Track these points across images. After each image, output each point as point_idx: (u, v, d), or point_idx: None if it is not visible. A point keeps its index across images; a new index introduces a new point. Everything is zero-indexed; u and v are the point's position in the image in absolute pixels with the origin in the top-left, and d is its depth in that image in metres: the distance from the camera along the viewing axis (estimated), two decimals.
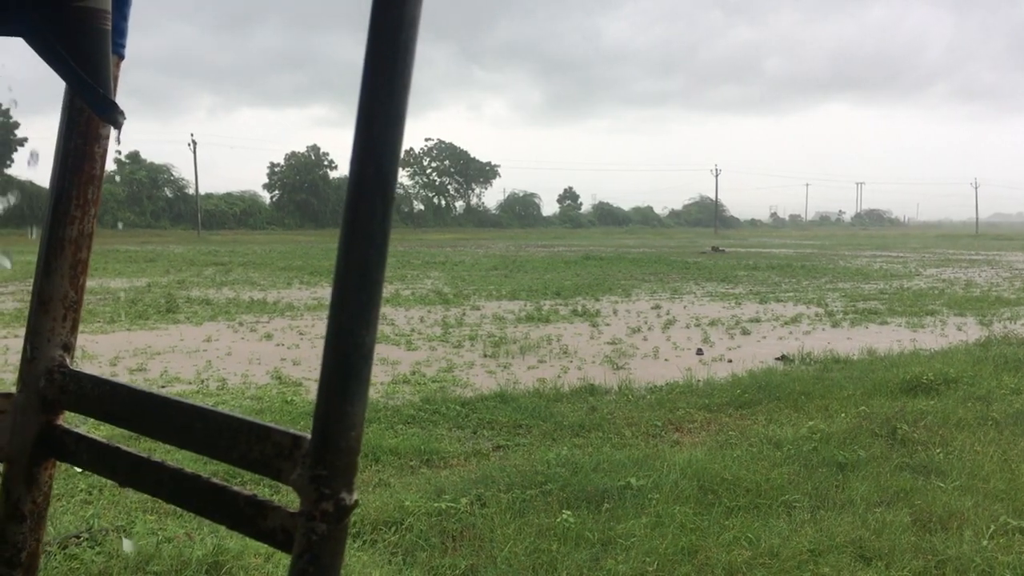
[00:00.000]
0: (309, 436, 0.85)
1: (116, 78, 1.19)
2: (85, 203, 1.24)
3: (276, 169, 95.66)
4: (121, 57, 1.21)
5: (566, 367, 12.56)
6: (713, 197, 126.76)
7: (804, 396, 9.87)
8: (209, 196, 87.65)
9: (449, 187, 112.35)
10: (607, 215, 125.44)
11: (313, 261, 37.37)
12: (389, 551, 5.36)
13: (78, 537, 5.29)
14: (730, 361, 13.23)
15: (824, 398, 9.77)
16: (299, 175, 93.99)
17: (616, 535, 5.56)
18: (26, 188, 72.15)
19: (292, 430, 0.92)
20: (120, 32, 1.17)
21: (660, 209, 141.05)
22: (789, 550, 5.33)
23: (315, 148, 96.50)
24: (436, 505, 5.96)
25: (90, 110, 1.16)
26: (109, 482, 1.24)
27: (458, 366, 12.56)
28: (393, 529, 5.63)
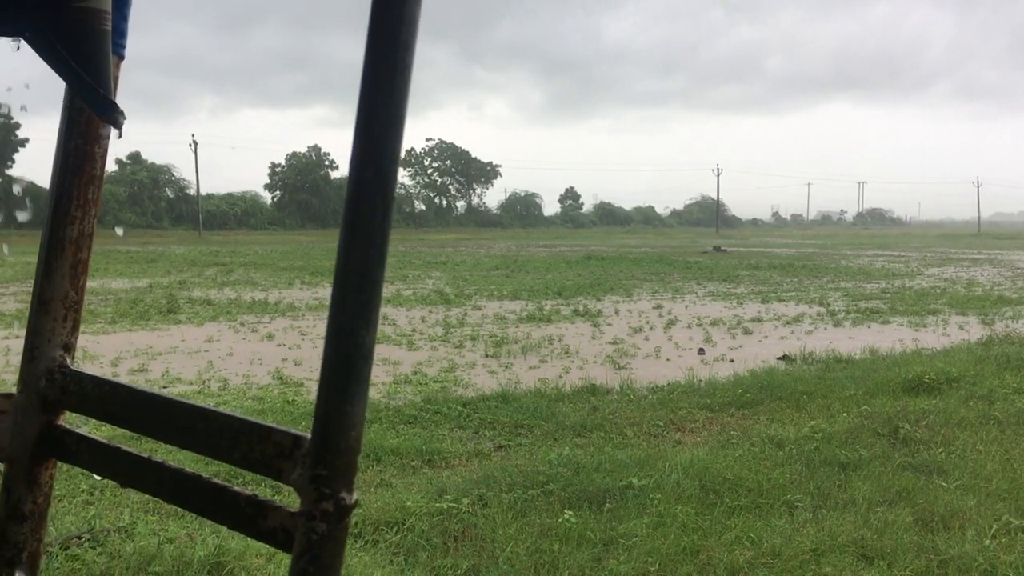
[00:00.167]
0: (309, 436, 0.85)
1: (116, 78, 1.18)
2: (85, 203, 1.24)
3: (277, 169, 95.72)
4: (121, 58, 1.21)
5: (568, 367, 12.56)
6: (715, 197, 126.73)
7: (806, 396, 9.87)
8: (210, 196, 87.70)
9: (450, 187, 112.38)
10: (608, 215, 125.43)
11: (314, 261, 37.39)
12: (391, 551, 5.36)
13: (80, 538, 5.29)
14: (732, 361, 13.23)
15: (826, 398, 9.77)
16: (300, 175, 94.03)
17: (618, 535, 5.56)
18: (28, 189, 72.28)
19: (293, 430, 0.92)
20: (120, 32, 1.17)
21: (662, 209, 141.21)
22: (791, 550, 5.32)
23: (316, 148, 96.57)
24: (438, 505, 5.95)
25: (90, 110, 1.16)
26: (110, 483, 1.24)
27: (460, 366, 12.56)
28: (395, 529, 5.63)
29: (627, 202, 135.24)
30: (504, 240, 73.58)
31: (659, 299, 22.88)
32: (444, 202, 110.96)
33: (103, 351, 13.30)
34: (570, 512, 5.87)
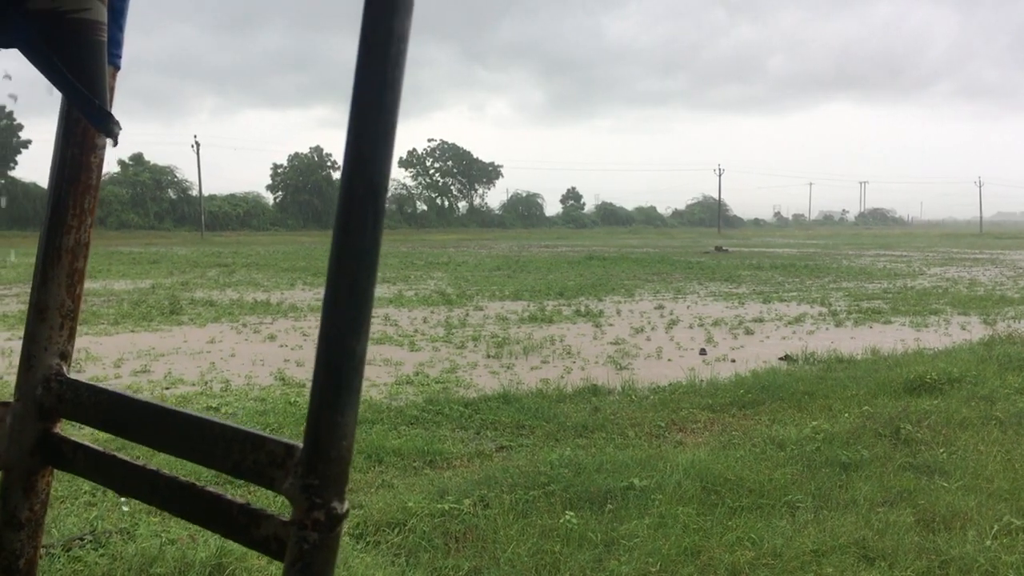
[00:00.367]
0: (301, 445, 0.85)
1: (112, 89, 1.19)
2: (82, 213, 1.24)
3: (279, 170, 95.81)
4: (117, 68, 1.21)
5: (569, 367, 12.56)
6: (716, 197, 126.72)
7: (807, 396, 9.87)
8: (212, 197, 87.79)
9: (452, 187, 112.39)
10: (610, 215, 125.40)
11: (316, 262, 37.41)
12: (392, 552, 5.36)
13: (81, 539, 5.31)
14: (733, 361, 13.23)
15: (827, 398, 9.77)
16: (302, 176, 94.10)
17: (619, 536, 5.56)
18: (30, 190, 72.34)
19: (285, 439, 0.93)
20: (116, 43, 1.18)
21: (663, 209, 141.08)
22: (792, 550, 5.32)
23: (318, 149, 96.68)
24: (439, 506, 5.96)
25: (86, 121, 1.16)
26: None
27: (461, 367, 12.57)
28: (396, 530, 5.63)
29: (629, 202, 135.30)
30: (506, 240, 73.60)
31: (661, 299, 22.88)
32: (446, 202, 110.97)
33: (106, 352, 13.32)
34: (571, 513, 5.88)
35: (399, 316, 18.56)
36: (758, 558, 5.25)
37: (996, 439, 7.94)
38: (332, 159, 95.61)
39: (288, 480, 0.88)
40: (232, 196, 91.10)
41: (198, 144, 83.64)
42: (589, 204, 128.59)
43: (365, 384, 11.03)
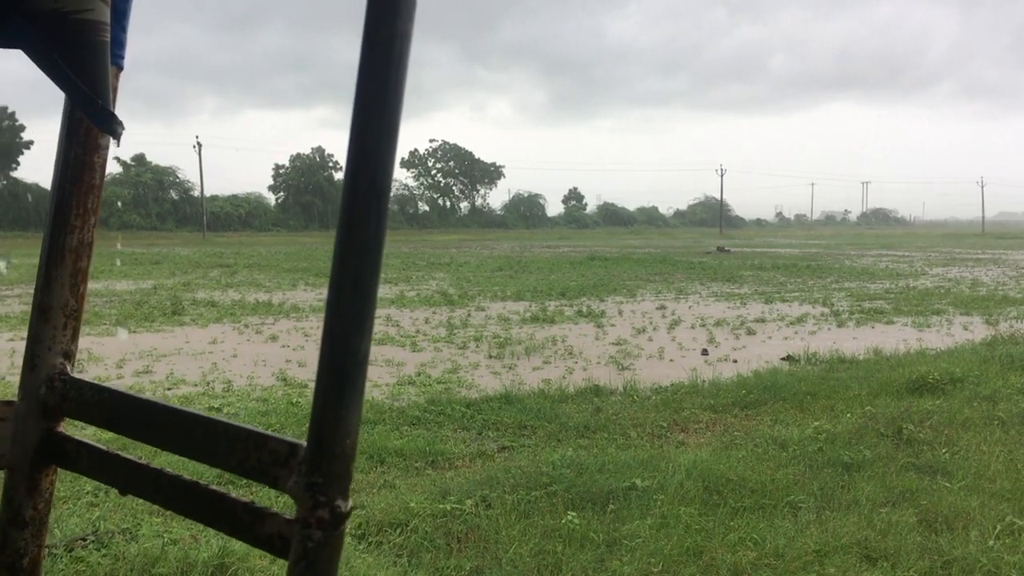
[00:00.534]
0: (305, 443, 0.86)
1: (115, 89, 1.19)
2: (85, 212, 1.25)
3: (281, 171, 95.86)
4: (120, 68, 1.22)
5: (571, 368, 12.56)
6: (718, 197, 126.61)
7: (809, 396, 9.86)
8: (214, 198, 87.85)
9: (454, 188, 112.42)
10: (612, 215, 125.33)
11: (318, 263, 37.42)
12: (394, 552, 5.37)
13: (84, 539, 5.31)
14: (735, 361, 13.22)
15: (830, 398, 9.76)
16: (304, 177, 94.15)
17: (621, 536, 5.56)
18: (32, 191, 72.42)
19: (289, 437, 0.93)
20: (119, 43, 1.18)
21: (665, 209, 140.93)
22: (794, 551, 5.32)
23: (320, 150, 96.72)
24: (441, 506, 5.96)
25: (89, 121, 1.17)
26: None
27: (463, 367, 12.57)
28: (398, 530, 5.64)
29: (630, 202, 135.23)
30: (508, 241, 73.60)
31: (663, 300, 22.87)
32: (447, 203, 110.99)
33: (108, 353, 13.33)
34: (573, 513, 5.88)
35: (401, 317, 18.57)
36: (760, 558, 5.25)
37: (999, 439, 7.93)
38: (334, 159, 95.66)
39: (292, 478, 0.89)
40: (234, 197, 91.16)
41: (199, 145, 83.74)
42: (591, 204, 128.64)
43: (367, 384, 10.99)
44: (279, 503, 1.01)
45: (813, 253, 53.21)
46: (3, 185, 74.38)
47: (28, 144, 77.45)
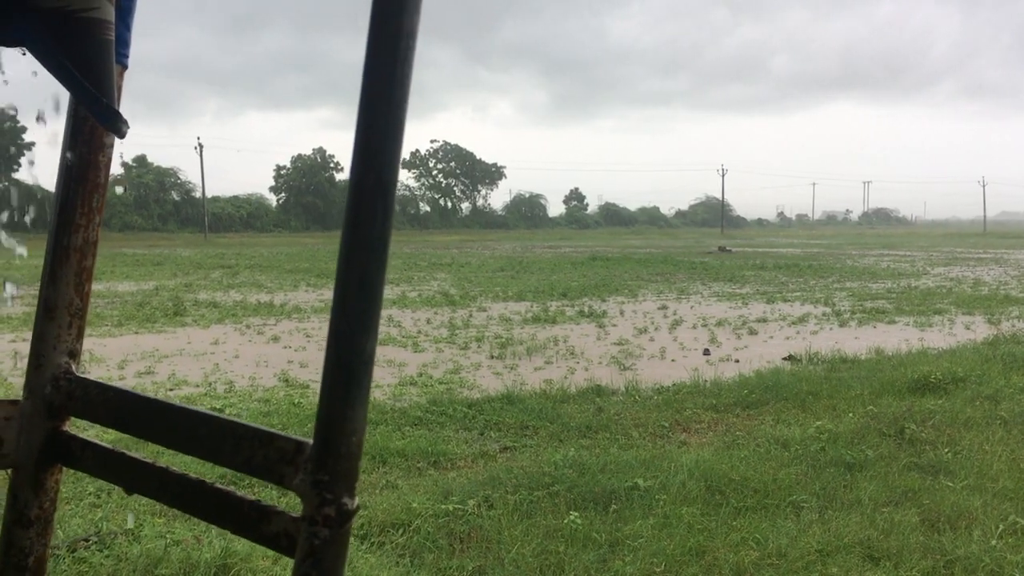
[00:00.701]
0: (311, 441, 0.86)
1: (119, 87, 1.19)
2: (90, 211, 1.25)
3: (282, 172, 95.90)
4: (124, 67, 1.22)
5: (573, 368, 12.56)
6: (720, 197, 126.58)
7: (811, 396, 9.86)
8: (216, 199, 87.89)
9: (455, 188, 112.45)
10: (613, 216, 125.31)
11: (320, 263, 37.44)
12: (397, 553, 5.37)
13: (87, 540, 5.31)
14: (737, 361, 13.22)
15: (832, 398, 9.76)
16: (305, 178, 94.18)
17: (623, 536, 5.56)
18: (33, 193, 72.45)
19: (294, 435, 0.93)
20: (123, 42, 1.18)
21: (666, 209, 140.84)
22: (797, 550, 5.32)
23: (321, 151, 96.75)
24: (443, 507, 5.96)
25: (94, 119, 1.17)
26: (117, 486, 1.26)
27: (465, 368, 12.57)
28: (400, 531, 5.64)
29: (632, 203, 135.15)
30: (509, 241, 73.59)
31: (664, 300, 22.87)
32: (449, 204, 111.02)
33: (110, 354, 13.34)
34: (576, 513, 5.88)
35: (403, 317, 18.57)
36: (763, 558, 5.24)
37: (1001, 438, 7.93)
38: (335, 160, 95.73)
39: (298, 476, 0.89)
40: (235, 198, 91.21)
41: (201, 146, 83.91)
42: (592, 205, 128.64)
43: None
44: (283, 503, 1.01)
45: (815, 253, 53.18)
46: (4, 187, 74.39)
47: (29, 146, 77.44)
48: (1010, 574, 5.06)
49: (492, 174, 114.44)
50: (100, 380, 1.20)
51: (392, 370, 12.25)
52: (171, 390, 10.80)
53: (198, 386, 11.05)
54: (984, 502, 6.19)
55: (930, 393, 9.83)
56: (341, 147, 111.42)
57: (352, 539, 5.47)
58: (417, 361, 13.05)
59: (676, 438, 8.38)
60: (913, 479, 6.76)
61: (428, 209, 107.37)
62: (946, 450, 7.54)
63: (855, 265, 39.61)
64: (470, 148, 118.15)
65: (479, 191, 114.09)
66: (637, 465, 7.02)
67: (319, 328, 16.67)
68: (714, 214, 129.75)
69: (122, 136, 1.15)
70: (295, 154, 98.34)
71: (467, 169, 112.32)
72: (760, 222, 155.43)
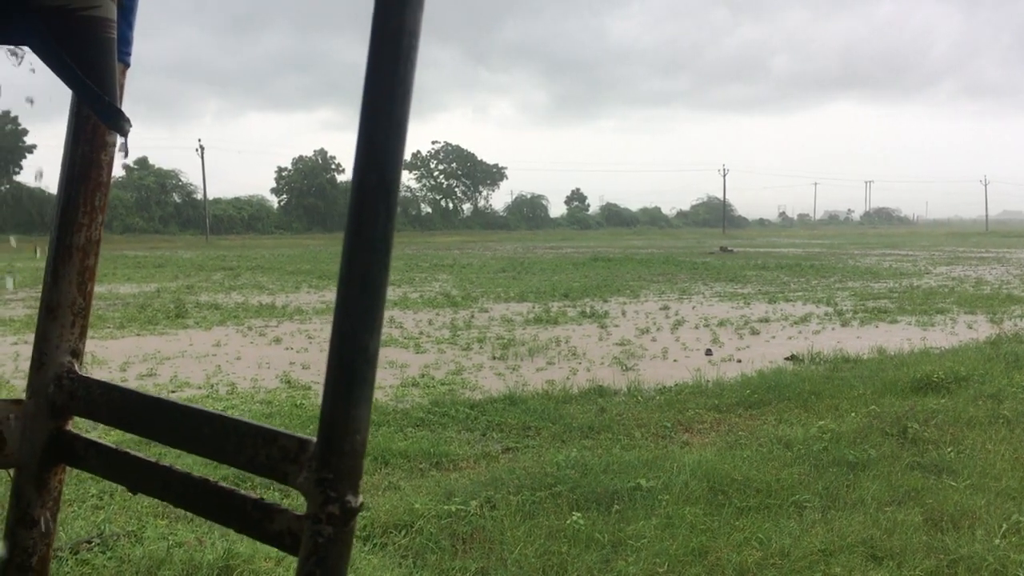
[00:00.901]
0: (315, 439, 0.86)
1: (122, 85, 1.19)
2: (92, 210, 1.25)
3: (284, 173, 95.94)
4: (127, 65, 1.22)
5: (575, 369, 12.56)
6: (721, 197, 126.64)
7: (814, 396, 9.85)
8: (217, 201, 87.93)
9: (456, 189, 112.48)
10: (615, 216, 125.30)
11: (321, 265, 37.45)
12: (399, 554, 5.37)
13: (89, 542, 5.31)
14: (739, 361, 13.21)
15: (834, 397, 9.75)
16: (306, 179, 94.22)
17: (626, 536, 5.56)
18: (35, 195, 72.58)
19: (298, 434, 0.93)
20: (125, 40, 1.18)
21: (668, 210, 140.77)
22: (800, 550, 5.31)
23: (322, 152, 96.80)
24: (446, 508, 5.96)
25: (96, 118, 1.17)
26: (120, 487, 1.26)
27: (467, 368, 12.57)
28: (403, 532, 5.64)
29: (633, 203, 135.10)
30: (510, 242, 73.61)
31: (666, 300, 22.87)
32: (450, 204, 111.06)
33: (112, 356, 13.34)
34: (578, 514, 5.87)
35: (404, 318, 18.57)
36: (766, 558, 5.24)
37: (1004, 437, 7.92)
38: (336, 162, 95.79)
39: (302, 474, 0.88)
40: (237, 199, 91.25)
41: (202, 148, 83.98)
42: (594, 205, 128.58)
43: None
44: (286, 503, 1.01)
45: (816, 253, 53.17)
46: (6, 189, 74.48)
47: (31, 148, 77.53)
48: (1014, 573, 5.06)
49: (493, 175, 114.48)
50: (103, 380, 1.19)
51: (394, 371, 12.25)
52: (173, 392, 10.80)
53: (200, 388, 11.05)
54: (987, 501, 6.19)
55: (933, 392, 9.82)
56: (342, 148, 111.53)
57: (355, 540, 5.49)
58: (419, 362, 13.05)
59: (678, 438, 8.37)
60: (916, 478, 6.75)
61: (429, 210, 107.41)
62: (949, 449, 7.54)
63: (857, 265, 39.59)
64: (471, 149, 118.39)
65: (480, 192, 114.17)
66: (640, 465, 7.01)
67: (321, 329, 16.68)
68: (715, 214, 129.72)
69: (125, 134, 1.15)
70: (296, 155, 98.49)
71: (468, 170, 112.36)
72: (762, 222, 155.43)
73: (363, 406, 0.82)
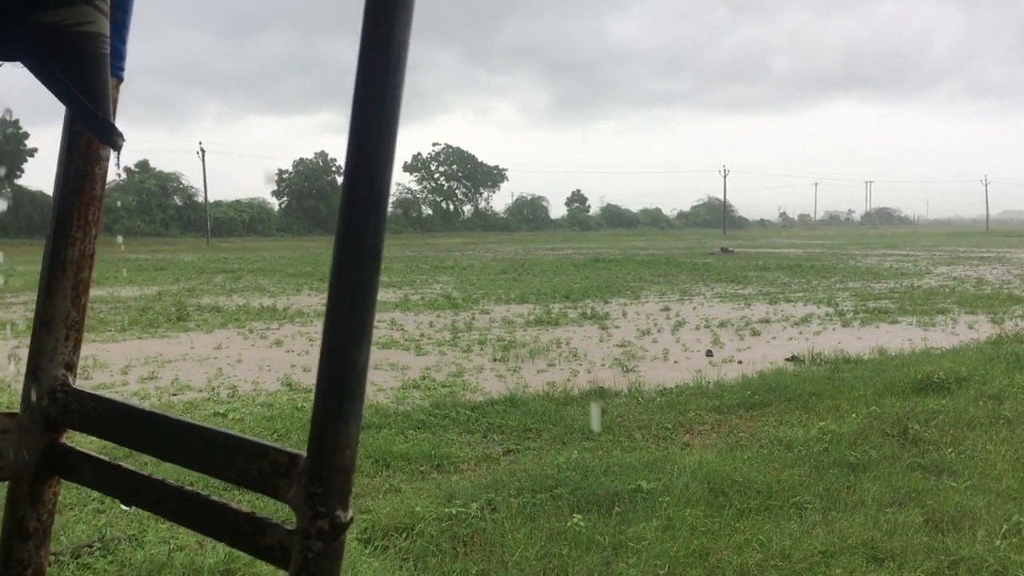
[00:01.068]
0: (305, 454, 0.86)
1: (115, 100, 1.20)
2: (86, 224, 1.25)
3: (284, 176, 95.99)
4: (120, 79, 1.22)
5: (575, 370, 12.56)
6: (721, 198, 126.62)
7: (815, 397, 9.85)
8: (218, 204, 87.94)
9: (457, 191, 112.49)
10: (615, 217, 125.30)
11: (322, 267, 37.43)
12: (400, 557, 5.37)
13: (90, 546, 5.32)
14: (740, 362, 13.21)
15: (835, 398, 9.75)
16: (307, 181, 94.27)
17: (627, 539, 5.56)
18: (36, 199, 72.60)
19: (288, 448, 0.93)
20: (119, 55, 1.19)
21: (668, 211, 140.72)
22: (801, 552, 5.31)
23: (323, 154, 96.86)
24: (447, 510, 5.96)
25: (89, 133, 1.17)
26: None
27: (468, 370, 12.57)
28: (404, 535, 5.64)
29: (634, 204, 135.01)
30: (511, 244, 73.60)
31: (667, 301, 22.86)
32: (451, 206, 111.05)
33: (113, 359, 13.35)
34: (579, 516, 5.87)
35: (405, 320, 18.58)
36: (766, 560, 5.24)
37: (1005, 438, 7.92)
38: (337, 164, 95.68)
39: (292, 489, 0.89)
40: (237, 202, 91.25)
41: (203, 151, 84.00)
42: (594, 207, 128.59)
43: (372, 389, 11.05)
44: (281, 514, 1.01)
45: (817, 253, 53.15)
46: (7, 193, 74.50)
47: (32, 152, 77.58)
48: (1014, 574, 5.06)
49: (494, 176, 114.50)
50: (98, 391, 1.20)
51: (395, 373, 12.25)
52: (174, 395, 10.81)
53: (201, 391, 11.05)
54: (988, 502, 6.18)
55: (933, 393, 9.82)
56: (343, 150, 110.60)
57: (356, 543, 5.47)
58: (420, 364, 13.05)
59: (679, 440, 8.37)
60: (917, 479, 6.75)
61: (430, 212, 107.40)
62: (949, 450, 7.53)
63: (858, 265, 39.57)
64: (471, 150, 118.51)
65: (481, 194, 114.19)
66: (640, 467, 7.02)
67: (321, 332, 16.66)
68: (716, 215, 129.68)
69: (118, 149, 1.15)
70: (297, 158, 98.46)
71: (469, 172, 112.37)
72: (762, 222, 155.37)
73: (352, 421, 0.82)
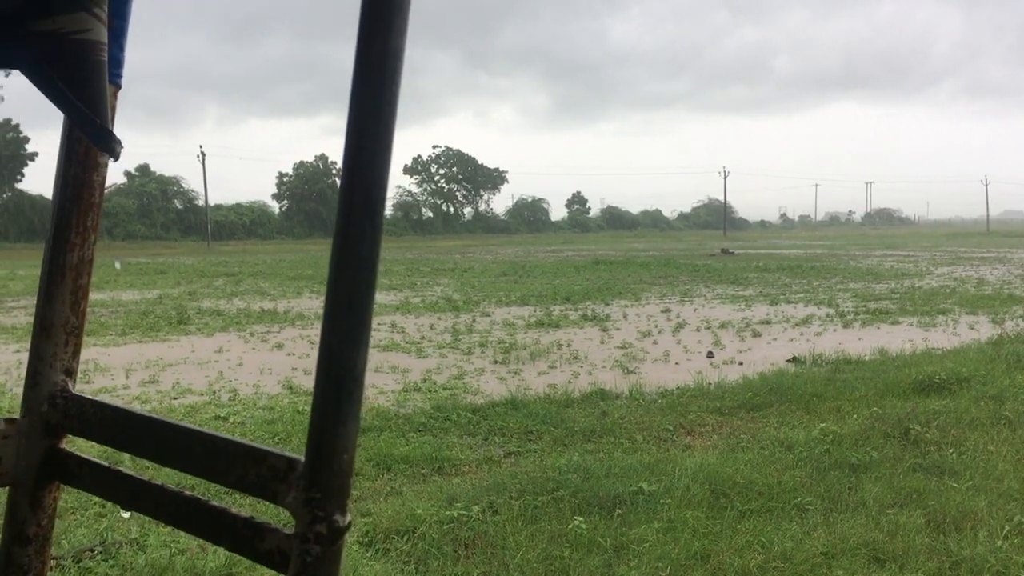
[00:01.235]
0: (303, 459, 0.86)
1: (113, 108, 1.20)
2: (85, 230, 1.26)
3: (285, 179, 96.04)
4: (118, 87, 1.22)
5: (576, 372, 12.56)
6: (722, 199, 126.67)
7: (816, 398, 9.84)
8: (219, 207, 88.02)
9: (457, 194, 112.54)
10: (616, 219, 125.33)
11: (323, 270, 37.41)
12: (402, 560, 5.37)
13: (92, 551, 5.32)
14: (741, 364, 13.20)
15: (836, 399, 9.74)
16: (307, 184, 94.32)
17: (628, 541, 5.56)
18: (37, 203, 72.65)
19: (287, 453, 0.93)
20: (116, 62, 1.19)
21: (669, 212, 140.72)
22: (802, 553, 5.31)
23: (323, 157, 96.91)
24: (448, 513, 5.96)
25: (88, 140, 1.18)
26: None
27: (469, 373, 12.57)
28: (405, 537, 5.64)
29: (634, 206, 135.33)
30: (512, 246, 73.61)
31: (667, 303, 22.86)
32: (451, 209, 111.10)
33: (114, 363, 13.35)
34: (580, 518, 5.87)
35: (406, 323, 18.58)
36: (768, 561, 5.24)
37: (1006, 439, 7.91)
38: (337, 167, 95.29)
39: (291, 494, 0.89)
40: (238, 205, 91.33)
41: (203, 154, 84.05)
42: (595, 208, 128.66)
43: (373, 391, 11.05)
44: (280, 519, 1.01)
45: (817, 254, 53.15)
46: (8, 197, 74.57)
47: (32, 156, 77.62)
48: (1016, 575, 5.05)
49: (494, 179, 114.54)
50: (97, 397, 1.20)
51: (396, 376, 12.25)
52: (175, 399, 10.81)
53: (202, 394, 11.05)
54: (989, 503, 6.18)
55: (934, 394, 9.82)
56: (342, 154, 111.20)
57: (357, 546, 5.47)
58: (421, 367, 13.05)
59: (680, 441, 8.37)
60: (918, 480, 6.75)
61: (431, 215, 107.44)
62: (951, 451, 7.53)
63: (858, 266, 39.57)
64: (472, 153, 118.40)
65: (481, 196, 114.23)
66: (641, 469, 7.01)
67: None
68: (716, 216, 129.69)
69: (116, 157, 1.16)
70: (297, 161, 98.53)
71: (469, 174, 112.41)
72: (763, 224, 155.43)
73: (351, 424, 0.83)
